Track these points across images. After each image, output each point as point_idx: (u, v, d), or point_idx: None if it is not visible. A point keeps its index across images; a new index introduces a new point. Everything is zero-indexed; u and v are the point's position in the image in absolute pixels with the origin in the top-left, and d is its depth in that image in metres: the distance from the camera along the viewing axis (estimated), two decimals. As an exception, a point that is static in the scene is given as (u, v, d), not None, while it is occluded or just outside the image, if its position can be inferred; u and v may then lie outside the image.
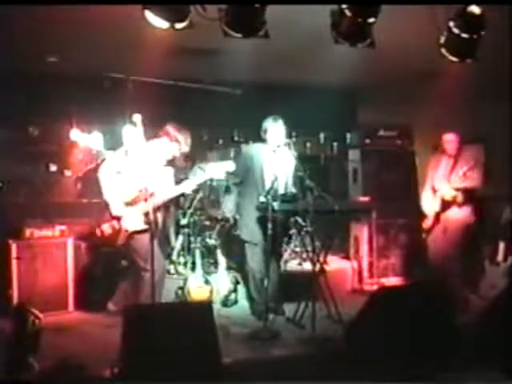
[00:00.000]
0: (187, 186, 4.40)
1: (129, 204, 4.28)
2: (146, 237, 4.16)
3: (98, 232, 4.32)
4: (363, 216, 5.84)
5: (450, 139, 5.05)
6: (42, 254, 4.77)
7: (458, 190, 4.91)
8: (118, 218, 4.26)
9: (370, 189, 5.89)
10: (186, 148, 4.46)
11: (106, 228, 4.28)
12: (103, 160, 4.50)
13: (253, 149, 4.82)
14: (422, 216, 5.26)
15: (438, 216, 5.06)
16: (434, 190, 5.16)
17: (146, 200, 4.05)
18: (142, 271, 4.31)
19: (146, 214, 4.10)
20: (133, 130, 4.27)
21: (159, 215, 4.42)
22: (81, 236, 5.03)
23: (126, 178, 4.27)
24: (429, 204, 5.17)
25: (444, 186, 4.98)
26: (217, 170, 4.37)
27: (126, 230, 4.26)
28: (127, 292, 4.54)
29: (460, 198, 4.91)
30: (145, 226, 4.20)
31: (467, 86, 5.21)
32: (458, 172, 4.87)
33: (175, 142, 4.42)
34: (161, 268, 4.31)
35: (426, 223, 5.18)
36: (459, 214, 4.99)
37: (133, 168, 4.24)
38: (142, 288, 4.32)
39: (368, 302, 3.66)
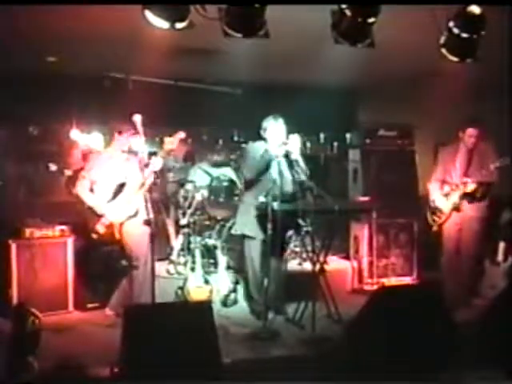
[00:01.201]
0: (156, 164, 4.39)
1: (111, 199, 4.37)
2: (140, 234, 4.21)
3: (94, 236, 4.38)
4: (363, 216, 5.84)
5: (472, 133, 4.94)
6: (41, 253, 4.77)
7: (481, 184, 4.85)
8: (103, 216, 4.35)
9: (369, 189, 5.89)
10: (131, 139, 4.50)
11: (100, 228, 4.34)
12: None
13: (254, 148, 4.81)
14: (433, 211, 5.18)
15: (456, 210, 5.00)
16: (444, 183, 5.11)
17: (121, 191, 4.35)
18: (133, 269, 4.36)
19: (130, 200, 4.33)
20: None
21: (145, 200, 4.38)
22: (79, 238, 5.03)
23: (102, 182, 4.40)
24: (442, 198, 5.09)
25: (464, 180, 4.91)
26: (171, 140, 4.44)
27: (117, 222, 4.34)
28: (124, 295, 4.54)
29: (480, 192, 4.89)
30: (132, 211, 4.33)
31: (467, 86, 5.21)
32: (488, 166, 4.80)
33: (123, 134, 4.47)
34: (148, 266, 4.31)
35: (440, 218, 5.10)
36: (476, 210, 4.97)
37: (105, 171, 4.41)
38: (134, 287, 4.36)
39: (368, 302, 3.66)
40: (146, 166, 4.36)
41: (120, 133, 4.47)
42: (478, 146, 4.97)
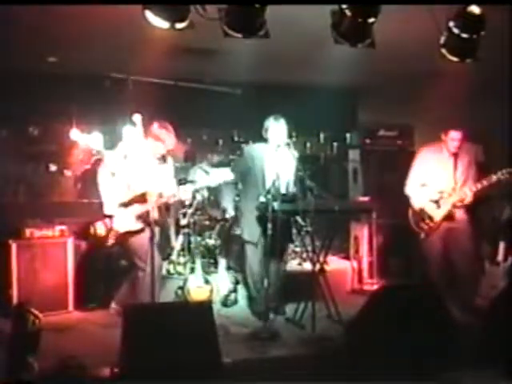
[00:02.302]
0: (185, 192, 4.40)
1: (123, 205, 4.25)
2: (144, 237, 4.18)
3: (91, 230, 4.30)
4: (363, 216, 5.84)
5: (456, 137, 4.88)
6: (41, 253, 4.76)
7: (476, 191, 4.77)
8: (110, 217, 4.26)
9: (369, 189, 5.90)
10: (170, 146, 4.43)
11: (99, 226, 4.26)
12: (98, 159, 4.55)
13: (254, 149, 4.83)
14: (420, 216, 5.10)
15: (449, 219, 4.90)
16: (424, 186, 5.05)
17: (141, 202, 4.14)
18: (139, 271, 4.33)
19: (139, 217, 4.20)
20: (130, 131, 4.35)
21: (156, 216, 4.33)
22: (77, 235, 5.02)
23: (121, 179, 4.28)
24: (432, 204, 4.98)
25: (464, 190, 4.83)
26: (217, 178, 4.46)
27: (117, 231, 4.25)
28: (129, 292, 4.53)
29: (475, 200, 4.83)
30: (136, 227, 4.24)
31: (467, 86, 5.21)
32: (476, 166, 4.81)
33: (159, 141, 4.38)
34: (157, 269, 4.31)
35: (429, 225, 4.99)
36: (465, 216, 4.94)
37: (128, 170, 4.28)
38: (139, 288, 4.33)
39: (368, 302, 3.66)
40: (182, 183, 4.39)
41: (157, 138, 4.35)
42: (461, 148, 4.91)
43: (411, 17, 3.88)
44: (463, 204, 4.86)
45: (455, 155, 4.96)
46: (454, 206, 4.89)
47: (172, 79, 6.26)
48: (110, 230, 4.25)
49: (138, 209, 4.21)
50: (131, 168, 4.27)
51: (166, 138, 4.37)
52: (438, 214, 4.97)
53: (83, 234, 4.81)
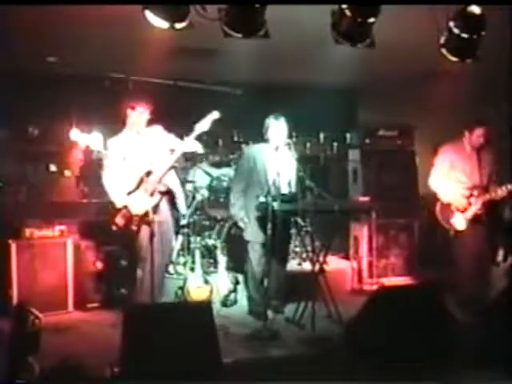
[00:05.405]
0: (189, 145, 4.44)
1: (132, 191, 4.32)
2: (148, 233, 4.19)
3: (113, 228, 4.35)
4: (363, 216, 5.84)
5: (480, 134, 4.80)
6: (41, 253, 4.77)
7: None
8: (125, 207, 4.31)
9: (369, 189, 5.89)
10: (146, 114, 4.45)
11: (119, 220, 4.31)
12: (98, 160, 4.60)
13: (254, 149, 4.82)
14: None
15: (477, 220, 4.78)
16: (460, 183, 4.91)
17: (146, 181, 4.26)
18: (140, 269, 4.35)
19: (152, 193, 4.29)
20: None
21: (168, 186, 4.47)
22: (89, 235, 5.04)
23: (125, 171, 4.35)
24: (460, 198, 4.83)
25: (482, 183, 4.78)
26: (204, 124, 4.47)
27: (137, 214, 4.30)
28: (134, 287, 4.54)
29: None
30: (153, 202, 4.29)
31: (467, 86, 5.21)
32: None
33: (134, 110, 4.44)
34: (160, 267, 4.31)
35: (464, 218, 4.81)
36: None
37: (129, 158, 4.36)
38: (140, 286, 4.35)
39: (368, 302, 3.66)
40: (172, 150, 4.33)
41: (133, 108, 4.41)
42: (484, 147, 4.85)
43: (411, 17, 3.89)
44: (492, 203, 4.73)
45: (478, 150, 4.87)
46: (484, 205, 4.75)
47: (172, 79, 6.26)
48: (130, 217, 4.29)
49: (147, 187, 4.28)
50: (130, 156, 4.36)
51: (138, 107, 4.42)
52: (469, 211, 4.81)
53: (105, 231, 4.81)
